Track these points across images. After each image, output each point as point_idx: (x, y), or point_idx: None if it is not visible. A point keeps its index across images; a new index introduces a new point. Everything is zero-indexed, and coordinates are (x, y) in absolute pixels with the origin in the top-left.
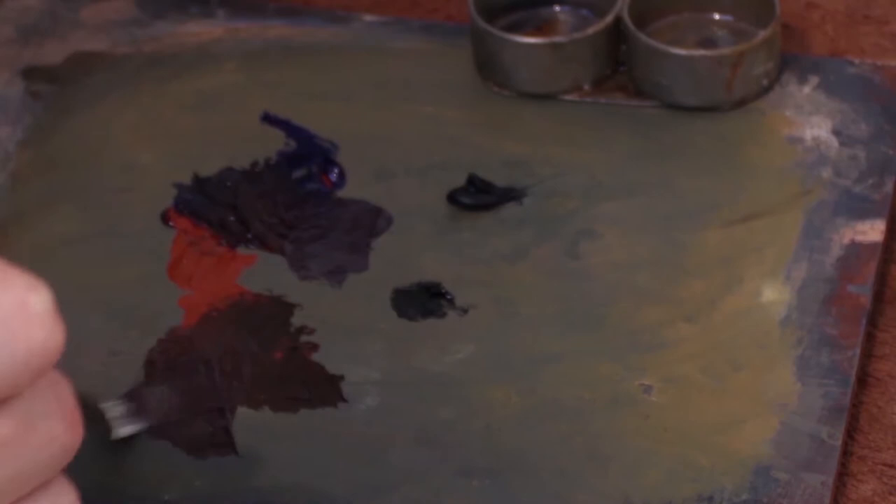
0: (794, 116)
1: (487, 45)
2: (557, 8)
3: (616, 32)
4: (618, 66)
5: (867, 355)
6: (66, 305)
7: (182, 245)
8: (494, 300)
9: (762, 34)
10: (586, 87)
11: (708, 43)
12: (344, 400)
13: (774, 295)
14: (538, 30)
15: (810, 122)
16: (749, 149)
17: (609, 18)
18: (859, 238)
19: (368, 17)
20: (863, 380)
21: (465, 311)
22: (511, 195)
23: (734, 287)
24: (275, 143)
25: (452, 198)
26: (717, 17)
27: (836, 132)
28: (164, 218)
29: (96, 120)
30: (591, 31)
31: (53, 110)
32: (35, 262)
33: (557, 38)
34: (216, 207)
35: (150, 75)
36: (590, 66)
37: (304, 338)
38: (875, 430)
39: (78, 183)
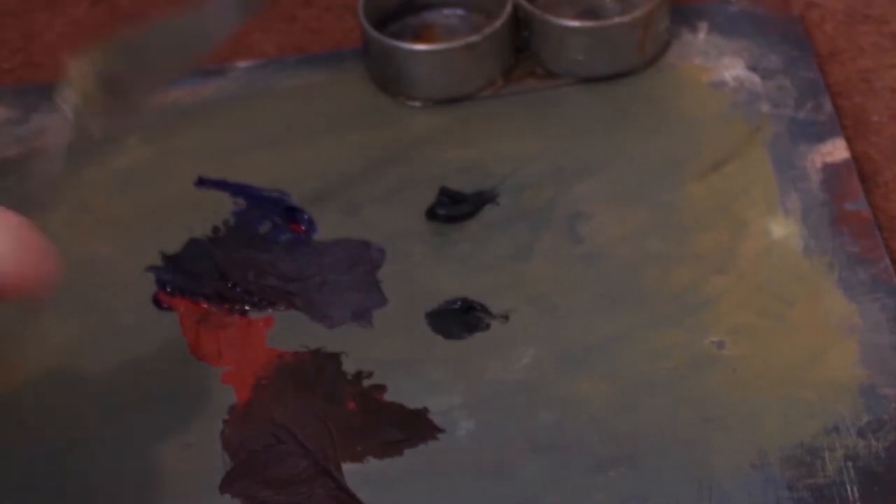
0: (704, 63)
1: (395, 61)
2: (446, 11)
3: (515, 20)
4: (518, 53)
5: None
6: (115, 414)
7: (192, 324)
8: (527, 300)
9: None
10: (499, 81)
11: (589, 13)
12: (441, 430)
13: (784, 230)
14: (417, 37)
15: (722, 64)
16: (679, 103)
17: (508, 8)
18: (829, 159)
19: (242, 64)
20: None
21: (506, 317)
22: (485, 198)
23: (742, 232)
24: (219, 205)
25: (432, 213)
26: None
27: (752, 68)
28: (157, 303)
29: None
30: (498, 24)
31: None
32: (49, 381)
33: (471, 39)
34: (204, 280)
35: None
36: (498, 59)
37: (366, 382)
38: None
39: None
